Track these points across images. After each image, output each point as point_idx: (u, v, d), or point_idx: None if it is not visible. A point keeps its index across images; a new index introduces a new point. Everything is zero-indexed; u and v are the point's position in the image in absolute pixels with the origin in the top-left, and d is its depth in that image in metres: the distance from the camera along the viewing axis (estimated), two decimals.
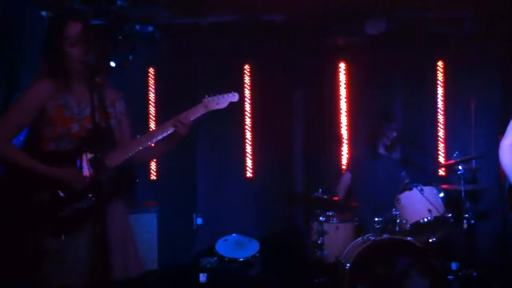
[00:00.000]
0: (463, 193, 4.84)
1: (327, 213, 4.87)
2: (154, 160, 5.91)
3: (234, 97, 3.03)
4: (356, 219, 4.93)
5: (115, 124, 2.85)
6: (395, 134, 5.17)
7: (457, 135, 5.91)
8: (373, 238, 4.42)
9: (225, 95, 3.00)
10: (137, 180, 2.89)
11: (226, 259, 4.94)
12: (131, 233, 2.91)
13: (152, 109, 6.07)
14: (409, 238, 4.36)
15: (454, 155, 5.00)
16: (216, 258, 4.93)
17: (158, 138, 2.88)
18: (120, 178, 2.80)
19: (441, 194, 4.71)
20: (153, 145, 2.92)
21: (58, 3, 4.91)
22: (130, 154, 2.79)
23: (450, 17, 5.67)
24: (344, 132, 6.12)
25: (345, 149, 6.11)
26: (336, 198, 5.12)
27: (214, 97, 2.98)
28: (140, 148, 2.83)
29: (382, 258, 4.30)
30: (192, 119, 2.91)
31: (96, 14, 4.97)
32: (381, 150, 5.23)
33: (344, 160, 6.02)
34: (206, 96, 2.99)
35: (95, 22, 4.91)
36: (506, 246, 5.48)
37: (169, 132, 2.87)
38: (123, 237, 2.80)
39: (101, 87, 2.72)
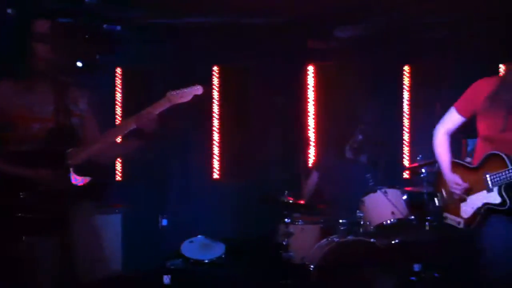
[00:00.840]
0: (425, 196, 4.93)
1: (293, 215, 4.90)
2: (121, 160, 5.87)
3: (197, 90, 3.01)
4: (322, 220, 4.97)
5: (78, 122, 2.83)
6: (361, 137, 5.23)
7: (422, 139, 6.00)
8: (338, 239, 4.47)
9: (189, 88, 2.99)
10: (107, 180, 2.88)
11: (191, 261, 4.94)
12: (98, 234, 2.88)
13: (119, 110, 6.02)
14: (372, 240, 4.42)
15: (418, 158, 5.10)
16: (181, 260, 4.92)
17: (122, 134, 2.86)
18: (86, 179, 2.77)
19: (404, 197, 4.78)
20: (119, 142, 2.90)
21: (25, 1, 4.84)
22: (92, 152, 2.77)
23: (417, 22, 5.76)
24: (311, 134, 6.17)
25: (312, 151, 6.16)
26: (301, 201, 5.14)
27: (178, 91, 2.97)
28: (103, 145, 2.80)
29: (346, 260, 4.35)
30: (156, 113, 2.89)
31: (64, 12, 4.90)
32: (348, 153, 5.28)
33: (311, 162, 6.06)
34: (170, 90, 2.98)
35: (63, 20, 4.85)
36: (469, 248, 5.58)
37: (132, 128, 2.85)
38: (89, 239, 2.77)
39: (65, 86, 2.69)
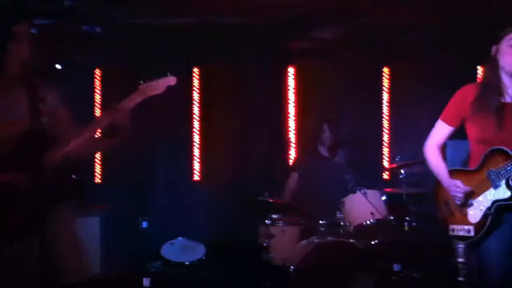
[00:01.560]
0: (404, 197, 4.97)
1: (273, 216, 4.90)
2: (100, 161, 5.84)
3: (171, 80, 2.96)
4: (302, 222, 4.97)
5: (51, 120, 2.77)
6: (329, 134, 5.24)
7: (401, 140, 6.06)
8: (318, 240, 4.48)
9: (162, 79, 2.94)
10: (85, 180, 2.84)
11: (171, 263, 4.90)
12: (76, 237, 2.85)
13: (98, 111, 5.97)
14: (352, 240, 4.44)
15: (397, 159, 5.13)
16: (160, 262, 4.88)
17: (96, 130, 2.83)
18: (64, 180, 2.74)
19: (384, 198, 4.82)
20: (95, 137, 2.87)
21: (4, 1, 4.78)
22: (68, 150, 2.73)
23: (397, 23, 5.80)
24: (292, 136, 6.18)
25: (292, 153, 6.17)
26: (282, 202, 5.15)
27: (150, 82, 2.91)
28: (78, 141, 2.76)
29: (326, 260, 4.35)
30: (129, 107, 2.85)
31: (43, 13, 4.86)
32: (324, 153, 5.30)
33: (291, 163, 6.07)
34: (141, 82, 2.92)
35: (42, 22, 4.80)
36: (448, 248, 5.63)
37: (107, 123, 2.81)
38: (67, 240, 2.75)
39: (38, 87, 2.66)
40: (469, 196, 3.00)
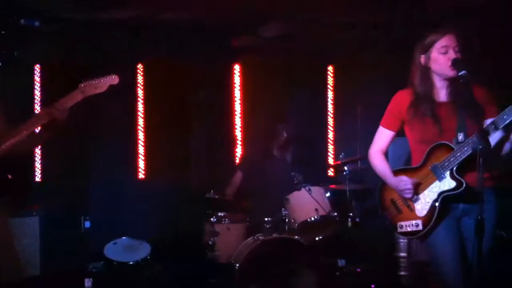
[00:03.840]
0: (348, 193, 5.04)
1: (219, 214, 4.89)
2: (40, 160, 5.67)
3: (113, 79, 2.91)
4: (248, 219, 4.98)
5: None
6: (285, 135, 5.29)
7: (345, 137, 6.15)
8: (263, 237, 4.49)
9: (103, 78, 2.89)
10: (22, 181, 2.75)
11: (115, 263, 4.81)
12: (10, 236, 2.76)
13: (38, 108, 5.80)
14: (297, 237, 4.47)
15: (341, 156, 5.21)
16: (103, 262, 4.79)
17: (35, 127, 2.76)
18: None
19: (328, 194, 4.87)
20: (32, 134, 2.79)
21: None
22: (5, 148, 2.65)
23: (342, 22, 5.87)
24: (238, 133, 6.17)
25: (239, 150, 6.17)
26: (228, 200, 5.14)
27: (92, 82, 2.86)
28: (14, 139, 2.68)
29: (271, 257, 4.37)
30: (68, 106, 2.80)
31: None
32: (274, 151, 5.33)
33: (237, 161, 6.07)
34: (83, 81, 2.88)
35: None
36: (390, 243, 5.76)
37: (45, 120, 2.75)
38: (3, 239, 2.65)
39: None
40: (416, 190, 3.06)
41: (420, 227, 3.03)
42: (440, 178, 3.00)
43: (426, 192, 3.04)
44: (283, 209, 4.77)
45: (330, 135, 6.33)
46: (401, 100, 3.18)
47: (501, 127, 2.86)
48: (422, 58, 3.12)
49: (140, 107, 5.99)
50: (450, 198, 2.99)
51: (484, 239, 2.71)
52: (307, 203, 4.70)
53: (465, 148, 2.92)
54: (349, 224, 4.92)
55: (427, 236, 3.03)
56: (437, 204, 2.99)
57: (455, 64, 2.96)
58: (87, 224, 5.47)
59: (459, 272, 2.94)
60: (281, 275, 4.35)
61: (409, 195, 3.07)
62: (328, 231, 4.78)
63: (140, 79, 6.00)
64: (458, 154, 2.94)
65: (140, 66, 6.01)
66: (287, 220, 4.73)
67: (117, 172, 5.90)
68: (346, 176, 5.10)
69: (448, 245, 2.99)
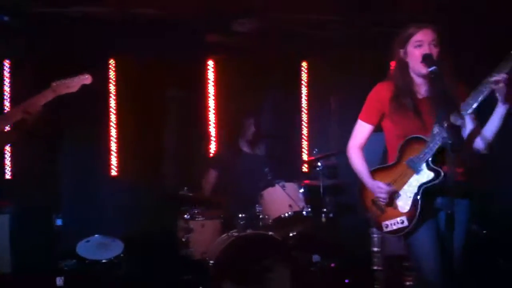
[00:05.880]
0: (321, 188, 5.07)
1: (193, 211, 4.86)
2: (10, 157, 5.57)
3: (85, 79, 2.90)
4: (222, 216, 4.97)
5: None
6: (253, 129, 5.28)
7: (318, 133, 6.18)
8: (237, 234, 4.48)
9: (76, 78, 2.87)
10: None
11: (87, 261, 4.76)
12: None
13: (7, 104, 5.68)
14: (270, 233, 4.48)
15: (314, 152, 5.23)
16: (75, 260, 4.73)
17: (6, 125, 2.72)
18: None
19: (302, 190, 4.88)
20: (5, 131, 2.74)
21: None
22: None
23: (315, 18, 5.89)
24: (212, 129, 6.15)
25: (212, 146, 6.14)
26: (201, 196, 5.11)
27: (64, 81, 2.84)
28: None
29: (245, 253, 4.37)
30: (39, 105, 2.77)
31: None
32: (244, 147, 5.32)
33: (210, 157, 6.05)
34: (55, 80, 2.85)
35: None
36: (363, 238, 5.81)
37: (16, 119, 2.71)
38: None
39: None
40: (394, 193, 3.06)
41: (406, 223, 3.03)
42: (418, 171, 3.00)
43: (405, 187, 3.04)
44: (257, 205, 4.77)
45: (304, 131, 6.36)
46: (382, 92, 3.16)
47: (468, 112, 2.87)
48: (401, 52, 3.12)
49: (112, 103, 5.91)
50: (430, 190, 2.99)
51: (456, 233, 2.74)
52: (281, 199, 4.71)
53: (437, 138, 2.93)
54: (323, 219, 4.94)
55: (413, 231, 3.02)
56: (418, 197, 2.99)
57: (425, 59, 2.97)
58: (59, 221, 5.39)
59: (437, 266, 2.96)
60: (255, 271, 4.36)
61: (383, 202, 3.08)
62: (302, 227, 4.80)
63: (112, 74, 5.92)
64: (431, 145, 2.95)
65: (112, 61, 5.93)
66: (261, 216, 4.72)
67: (89, 169, 5.83)
68: (320, 171, 5.12)
69: (426, 240, 3.01)
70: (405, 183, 3.05)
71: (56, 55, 5.61)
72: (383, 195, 3.07)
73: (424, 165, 2.99)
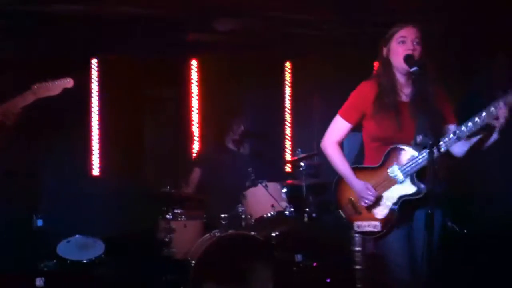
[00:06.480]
0: (304, 188, 5.08)
1: (175, 211, 4.84)
2: None
3: (67, 83, 2.88)
4: (205, 216, 4.95)
5: None
6: (242, 128, 5.28)
7: (301, 133, 6.19)
8: (219, 234, 4.47)
9: (57, 81, 2.85)
10: None
11: (68, 261, 4.72)
12: None
13: None
14: (253, 233, 4.47)
15: (297, 152, 5.24)
16: (55, 261, 4.69)
17: None
18: None
19: (284, 190, 4.89)
20: None
21: None
22: None
23: (299, 18, 5.89)
24: (195, 129, 6.13)
25: (196, 146, 6.13)
26: (184, 196, 5.09)
27: (45, 84, 2.82)
28: None
29: (227, 254, 4.36)
30: (19, 107, 2.74)
31: None
32: (230, 145, 5.31)
33: (194, 157, 6.03)
34: (36, 83, 2.82)
35: None
36: (345, 237, 5.83)
37: None
38: None
39: None
40: (379, 198, 3.06)
41: (379, 228, 3.05)
42: (400, 182, 3.01)
43: (385, 194, 3.05)
44: (239, 205, 4.75)
45: (288, 131, 6.37)
46: (365, 92, 3.14)
47: (457, 138, 2.89)
48: (384, 50, 3.12)
49: (95, 102, 5.87)
50: (408, 202, 3.01)
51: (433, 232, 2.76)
52: (264, 199, 4.70)
53: (425, 155, 2.91)
54: (306, 219, 4.95)
55: (384, 236, 3.05)
56: (396, 207, 3.01)
57: (407, 60, 2.97)
58: (39, 222, 5.32)
59: (407, 266, 2.99)
60: (237, 271, 4.35)
61: (366, 205, 3.08)
62: (284, 227, 4.80)
63: (94, 74, 5.88)
64: (420, 160, 2.95)
65: (94, 60, 5.88)
66: (243, 216, 4.71)
67: (70, 169, 5.76)
68: (303, 171, 5.13)
69: (396, 239, 3.04)
70: (386, 190, 3.05)
71: (38, 55, 5.55)
72: (371, 198, 3.06)
73: (408, 178, 3.00)
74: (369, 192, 3.05)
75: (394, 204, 3.02)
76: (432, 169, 2.69)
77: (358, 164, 3.21)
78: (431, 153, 2.71)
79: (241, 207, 4.74)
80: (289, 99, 6.40)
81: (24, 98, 2.77)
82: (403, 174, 2.99)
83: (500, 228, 4.81)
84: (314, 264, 4.98)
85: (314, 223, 5.04)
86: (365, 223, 3.10)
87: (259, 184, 4.74)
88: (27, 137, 5.45)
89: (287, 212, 4.71)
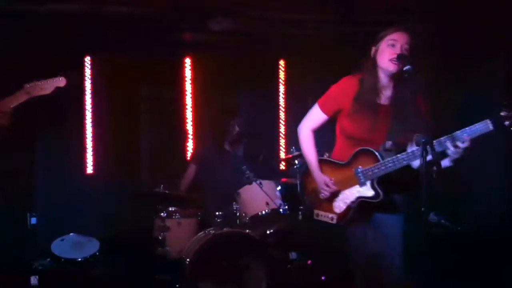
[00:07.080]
0: (298, 186, 5.07)
1: (170, 209, 4.84)
2: None
3: (60, 81, 2.88)
4: (199, 214, 4.95)
5: None
6: (238, 129, 5.28)
7: (295, 131, 6.18)
8: (214, 232, 4.48)
9: (50, 80, 2.85)
10: None
11: (62, 260, 4.72)
12: None
13: None
14: (247, 231, 4.48)
15: (292, 150, 5.24)
16: (49, 259, 4.68)
17: None
18: None
19: (279, 188, 4.90)
20: None
21: None
22: None
23: (293, 17, 5.90)
24: (189, 127, 6.13)
25: (190, 144, 6.13)
26: (178, 194, 5.09)
27: (37, 83, 2.81)
28: None
29: (222, 252, 4.36)
30: (11, 106, 2.74)
31: None
32: (227, 146, 5.31)
33: (189, 155, 6.03)
34: (29, 81, 2.82)
35: None
36: (342, 235, 5.84)
37: None
38: None
39: None
40: (336, 193, 3.19)
41: (334, 221, 3.23)
42: (361, 184, 3.11)
43: (346, 191, 3.17)
44: (234, 203, 4.76)
45: (282, 129, 6.37)
46: (346, 87, 3.18)
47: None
48: (373, 49, 3.15)
49: (88, 100, 5.86)
50: (366, 203, 3.13)
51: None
52: (258, 197, 4.71)
53: (389, 165, 3.02)
54: (300, 217, 4.95)
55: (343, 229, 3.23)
56: (353, 205, 3.14)
57: (400, 58, 2.98)
58: (33, 220, 5.32)
59: (363, 261, 3.22)
60: (232, 269, 4.35)
61: (324, 197, 3.22)
62: (279, 225, 4.81)
63: (88, 72, 5.87)
64: (383, 168, 3.04)
65: (87, 59, 5.87)
66: (238, 214, 4.72)
67: (64, 167, 5.76)
68: (297, 169, 5.13)
69: (352, 237, 3.25)
70: (347, 187, 3.16)
71: (31, 54, 5.52)
72: (326, 193, 3.20)
73: (369, 182, 3.09)
74: (326, 188, 3.19)
75: (352, 202, 3.15)
76: (425, 169, 2.71)
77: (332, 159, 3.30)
78: (424, 153, 2.72)
79: (235, 205, 4.75)
80: (283, 97, 6.41)
81: (16, 97, 2.77)
82: (365, 177, 3.10)
83: (483, 228, 4.89)
84: (309, 262, 4.99)
85: (309, 221, 5.04)
86: (323, 213, 3.27)
87: (254, 182, 4.75)
88: (21, 136, 5.43)
89: (281, 210, 4.73)
